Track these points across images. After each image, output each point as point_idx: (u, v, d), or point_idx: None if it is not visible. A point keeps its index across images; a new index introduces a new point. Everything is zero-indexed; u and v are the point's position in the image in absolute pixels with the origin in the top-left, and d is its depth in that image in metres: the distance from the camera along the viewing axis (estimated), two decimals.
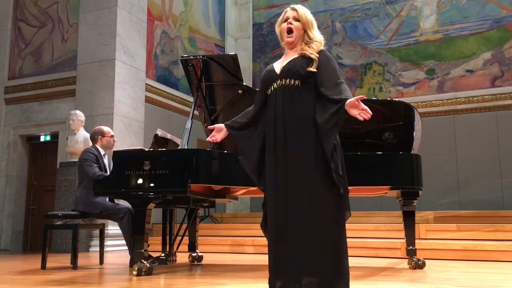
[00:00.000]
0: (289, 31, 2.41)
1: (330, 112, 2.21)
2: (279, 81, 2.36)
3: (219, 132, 2.54)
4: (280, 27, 2.48)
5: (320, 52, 2.36)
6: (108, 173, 4.52)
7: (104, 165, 4.55)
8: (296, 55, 2.39)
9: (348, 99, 2.18)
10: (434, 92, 8.53)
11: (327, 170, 2.20)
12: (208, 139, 2.57)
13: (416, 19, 8.84)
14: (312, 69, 2.30)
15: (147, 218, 3.71)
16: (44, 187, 7.54)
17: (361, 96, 2.18)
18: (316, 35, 2.43)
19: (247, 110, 2.56)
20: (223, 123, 2.55)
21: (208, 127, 2.54)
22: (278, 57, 2.55)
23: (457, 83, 8.40)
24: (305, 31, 2.42)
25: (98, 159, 4.47)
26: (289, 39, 2.41)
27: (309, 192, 2.20)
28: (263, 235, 2.40)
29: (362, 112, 2.15)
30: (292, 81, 2.33)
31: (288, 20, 2.42)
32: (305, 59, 2.34)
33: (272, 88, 2.39)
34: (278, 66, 2.44)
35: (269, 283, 2.26)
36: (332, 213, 2.21)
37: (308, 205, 2.20)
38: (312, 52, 2.34)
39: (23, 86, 7.75)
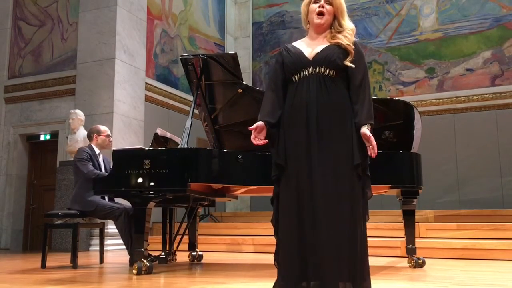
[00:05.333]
0: (320, 13, 2.28)
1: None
2: (311, 68, 2.23)
3: (261, 132, 2.28)
4: (307, 7, 2.34)
5: (354, 44, 2.27)
6: (104, 172, 4.53)
7: (99, 165, 4.53)
8: (327, 43, 2.27)
9: (360, 124, 2.19)
10: (434, 91, 8.52)
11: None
12: (256, 142, 2.28)
13: (416, 18, 8.84)
14: (350, 64, 2.21)
15: (147, 217, 3.71)
16: (44, 186, 7.54)
17: (371, 136, 2.18)
18: (348, 23, 2.31)
19: (272, 98, 2.31)
20: (260, 121, 2.29)
21: (249, 128, 2.28)
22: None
23: (457, 82, 8.40)
24: (335, 17, 2.30)
25: (92, 158, 4.46)
26: (319, 21, 2.28)
27: (341, 186, 2.13)
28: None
29: (370, 147, 2.18)
30: (328, 71, 2.21)
31: (320, 3, 2.28)
32: (342, 50, 2.23)
33: (301, 74, 2.25)
34: (305, 50, 2.29)
35: (283, 285, 2.14)
36: (360, 211, 2.17)
37: (340, 199, 2.12)
38: (348, 43, 2.24)
39: (23, 85, 7.75)
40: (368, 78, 2.28)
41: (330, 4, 2.29)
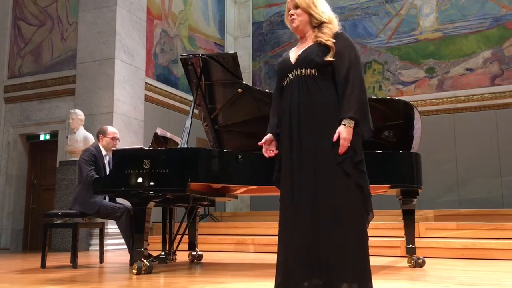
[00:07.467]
0: (292, 21, 2.32)
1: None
2: (294, 71, 2.25)
3: (270, 143, 2.37)
4: (287, 19, 2.40)
5: (336, 37, 2.23)
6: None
7: (104, 166, 4.52)
8: (311, 43, 2.28)
9: (340, 119, 2.12)
10: (434, 91, 8.53)
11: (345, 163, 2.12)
12: (268, 155, 2.35)
13: (415, 18, 8.84)
14: (330, 58, 2.18)
15: (147, 217, 3.71)
16: (44, 186, 7.54)
17: (339, 132, 2.12)
18: (322, 13, 2.28)
19: (275, 108, 2.39)
20: (269, 133, 2.37)
21: (259, 143, 2.36)
22: (279, 55, 2.49)
23: (456, 81, 8.40)
24: (309, 14, 2.29)
25: (96, 159, 4.45)
26: (293, 25, 2.33)
27: (326, 185, 2.10)
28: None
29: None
30: (309, 71, 2.21)
31: (290, 12, 2.33)
32: (321, 47, 2.22)
33: (287, 79, 2.28)
34: (293, 55, 2.33)
35: (283, 284, 2.13)
36: (355, 210, 2.12)
37: (325, 198, 2.09)
38: (327, 38, 2.21)
39: (23, 85, 7.75)
40: (355, 70, 2.17)
41: (297, 7, 2.30)
